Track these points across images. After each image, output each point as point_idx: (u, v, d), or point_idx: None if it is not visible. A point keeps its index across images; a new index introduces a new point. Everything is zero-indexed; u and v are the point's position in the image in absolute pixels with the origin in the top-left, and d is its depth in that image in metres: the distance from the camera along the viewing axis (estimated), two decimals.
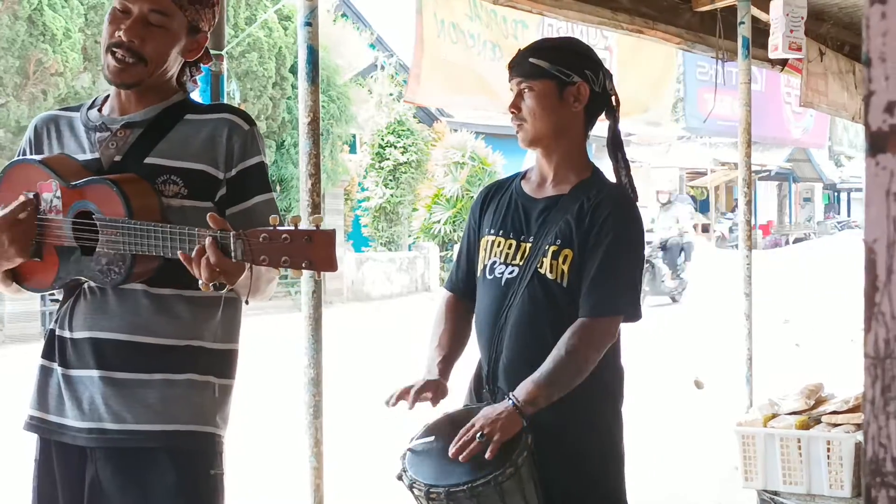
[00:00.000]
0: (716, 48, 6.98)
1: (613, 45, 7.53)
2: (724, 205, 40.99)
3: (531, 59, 2.72)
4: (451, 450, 2.49)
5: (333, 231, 1.95)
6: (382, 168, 22.35)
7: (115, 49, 2.28)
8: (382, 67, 23.50)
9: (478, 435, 2.48)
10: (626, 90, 7.42)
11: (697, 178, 38.34)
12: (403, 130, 22.44)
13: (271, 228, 1.95)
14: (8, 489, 5.48)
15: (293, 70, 16.79)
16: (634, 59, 7.70)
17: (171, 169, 2.28)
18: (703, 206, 40.86)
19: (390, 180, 22.32)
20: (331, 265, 1.93)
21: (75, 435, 2.30)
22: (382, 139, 22.50)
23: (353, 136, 22.58)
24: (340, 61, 19.56)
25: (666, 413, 7.87)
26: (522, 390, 2.53)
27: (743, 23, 6.46)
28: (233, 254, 1.98)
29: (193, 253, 2.01)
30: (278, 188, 17.44)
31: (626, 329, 2.75)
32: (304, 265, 1.93)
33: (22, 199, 2.25)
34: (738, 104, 6.52)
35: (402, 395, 2.66)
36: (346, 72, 20.32)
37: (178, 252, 2.04)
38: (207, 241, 1.99)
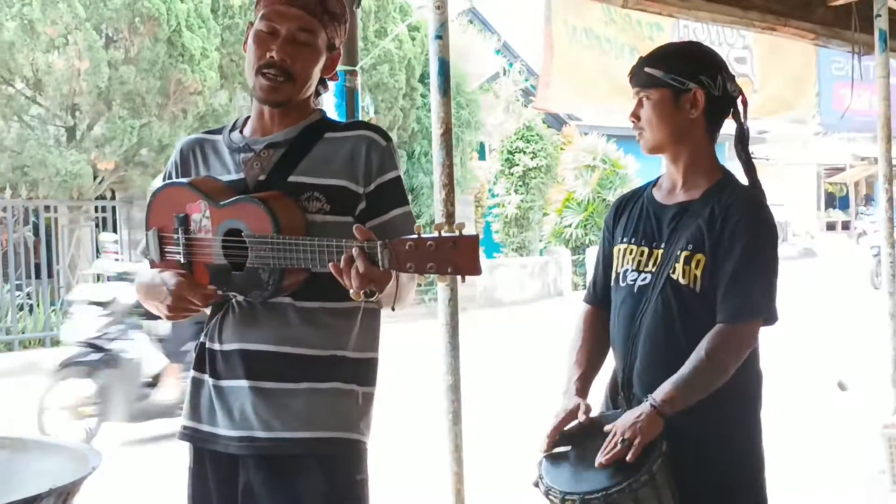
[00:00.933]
0: (851, 42, 6.79)
1: (752, 45, 7.40)
2: (864, 201, 39.76)
3: (646, 69, 2.72)
4: (600, 459, 2.50)
5: (477, 236, 1.97)
6: (512, 174, 22.37)
7: (265, 70, 2.35)
8: (506, 72, 23.49)
9: (619, 440, 2.50)
10: (769, 89, 7.35)
11: (836, 174, 37.33)
12: (532, 136, 22.42)
13: (416, 237, 1.98)
14: (163, 497, 5.69)
15: (422, 80, 16.94)
16: (775, 57, 7.55)
17: (314, 186, 2.34)
18: (843, 203, 39.71)
19: (520, 185, 22.33)
20: (475, 269, 1.96)
21: (227, 443, 2.38)
22: (511, 145, 22.52)
23: (482, 143, 22.64)
24: (469, 68, 19.63)
25: (807, 415, 7.69)
26: (661, 391, 2.54)
27: (879, 15, 6.28)
28: (380, 262, 2.03)
29: (342, 263, 2.07)
30: (409, 196, 17.54)
31: (766, 331, 2.71)
32: (449, 270, 1.96)
33: (210, 291, 2.32)
34: (876, 98, 6.35)
35: (553, 438, 2.66)
36: (474, 78, 20.39)
37: (329, 263, 2.09)
38: (355, 250, 2.05)
